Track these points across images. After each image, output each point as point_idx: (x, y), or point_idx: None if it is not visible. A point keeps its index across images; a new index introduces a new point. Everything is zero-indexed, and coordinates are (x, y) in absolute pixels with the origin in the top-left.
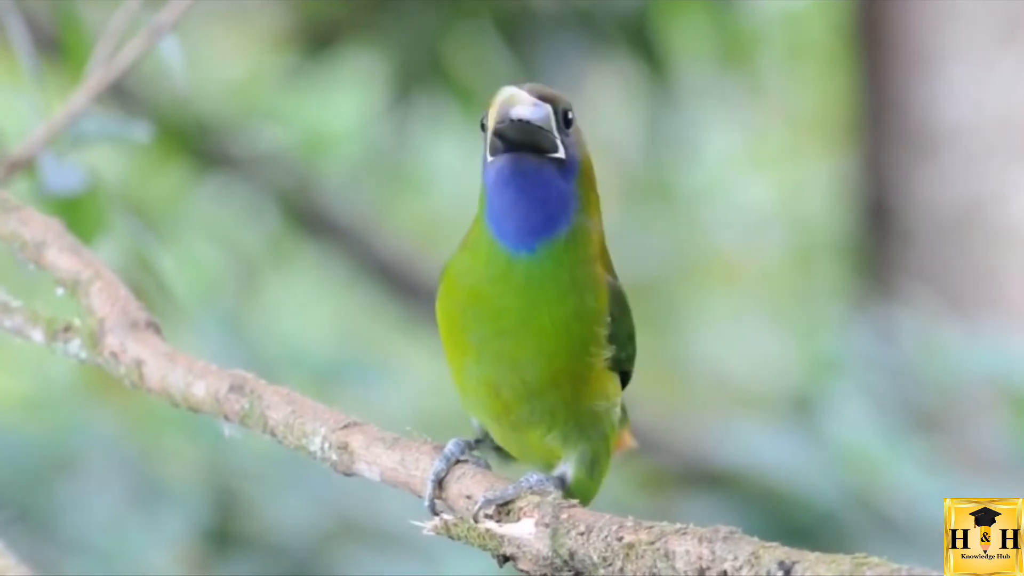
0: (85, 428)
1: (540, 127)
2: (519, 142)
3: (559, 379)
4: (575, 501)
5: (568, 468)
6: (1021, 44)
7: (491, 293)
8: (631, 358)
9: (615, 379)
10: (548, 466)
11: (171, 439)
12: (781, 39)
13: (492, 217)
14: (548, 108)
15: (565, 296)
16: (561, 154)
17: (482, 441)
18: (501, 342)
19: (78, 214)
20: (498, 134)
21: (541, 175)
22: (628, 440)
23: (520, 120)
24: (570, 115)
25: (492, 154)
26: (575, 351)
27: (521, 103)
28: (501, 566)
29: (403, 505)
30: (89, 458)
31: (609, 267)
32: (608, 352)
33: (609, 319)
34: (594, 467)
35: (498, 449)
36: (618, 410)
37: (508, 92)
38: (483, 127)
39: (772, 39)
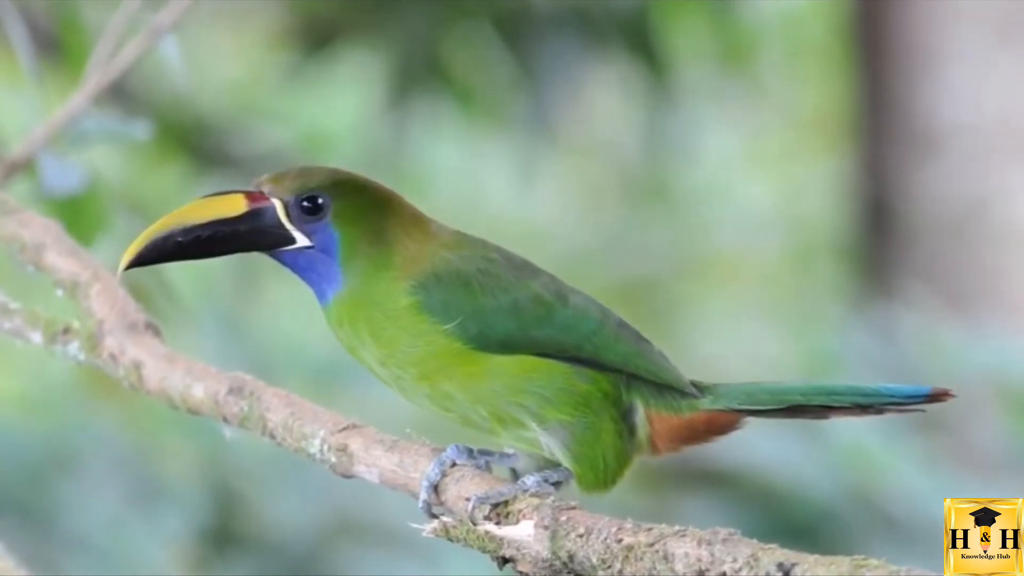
0: (85, 428)
1: (269, 228)
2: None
3: (428, 376)
4: (574, 503)
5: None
6: (1021, 44)
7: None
8: (508, 332)
9: (519, 360)
10: (504, 420)
11: (170, 439)
12: (781, 39)
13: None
14: (271, 206)
15: (358, 330)
16: (302, 243)
17: (484, 452)
18: (374, 370)
19: (78, 214)
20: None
21: (298, 265)
22: (676, 422)
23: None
24: (318, 200)
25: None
26: (405, 351)
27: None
28: (501, 568)
29: (403, 504)
30: (89, 458)
31: (454, 246)
32: (444, 333)
33: (426, 311)
34: (578, 444)
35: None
36: (566, 380)
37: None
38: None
39: (772, 39)
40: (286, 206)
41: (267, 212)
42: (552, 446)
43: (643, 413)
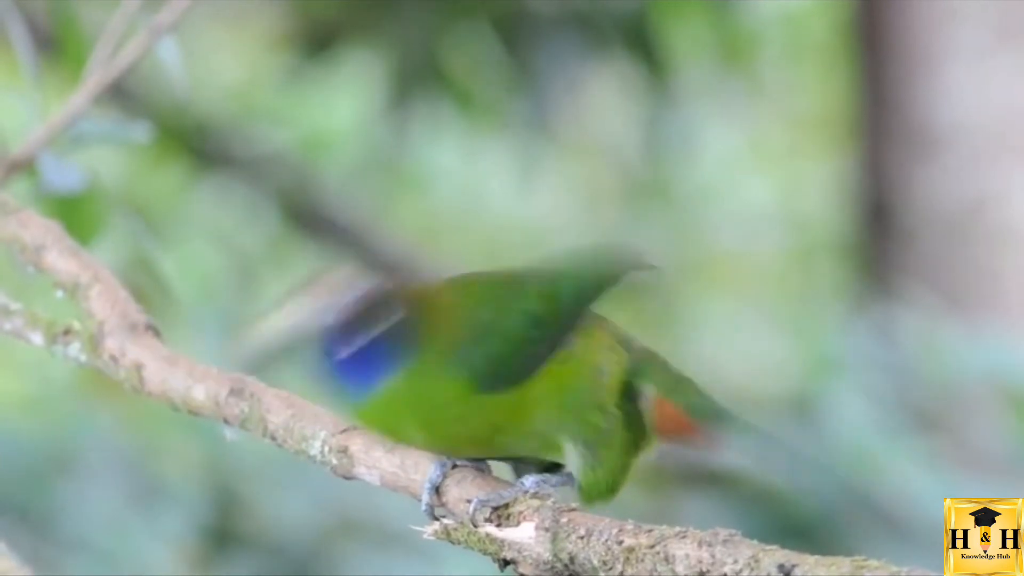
0: (85, 428)
1: None
2: None
3: (481, 441)
4: (575, 504)
5: (573, 471)
6: (1021, 44)
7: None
8: (540, 356)
9: (549, 376)
10: (552, 448)
11: (171, 438)
12: (781, 39)
13: None
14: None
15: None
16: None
17: None
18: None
19: (77, 214)
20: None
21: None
22: (681, 421)
23: None
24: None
25: None
26: (455, 429)
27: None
28: (502, 570)
29: (404, 505)
30: (89, 458)
31: (450, 312)
32: (489, 394)
33: (471, 382)
34: (595, 457)
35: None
36: (592, 382)
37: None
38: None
39: (772, 39)
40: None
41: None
42: (572, 454)
43: (650, 397)
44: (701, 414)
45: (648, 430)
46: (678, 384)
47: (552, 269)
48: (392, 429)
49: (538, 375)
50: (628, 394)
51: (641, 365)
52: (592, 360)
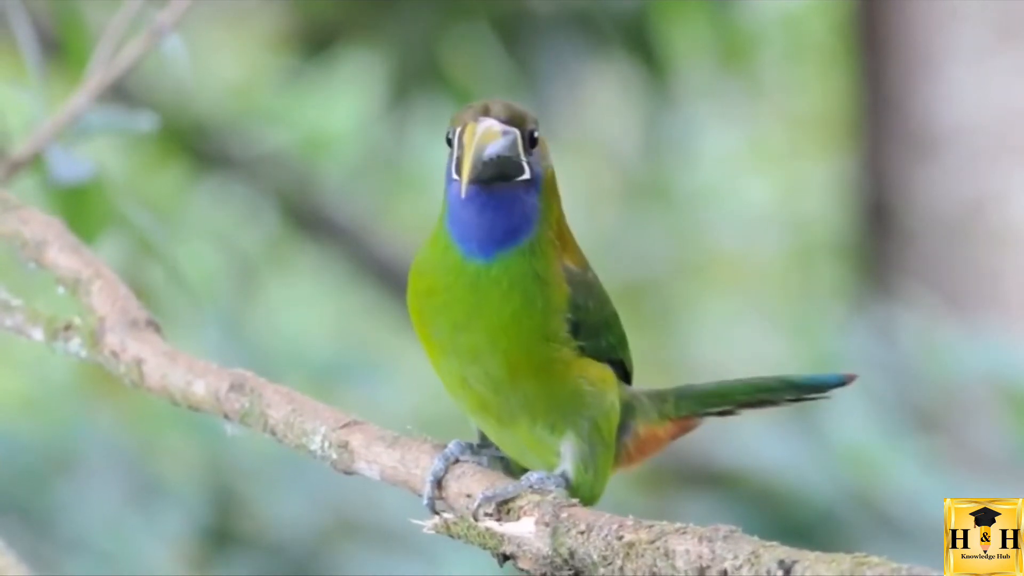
0: (85, 428)
1: (510, 157)
2: (491, 176)
3: (520, 370)
4: (575, 500)
5: (567, 466)
6: (1021, 44)
7: (445, 291)
8: (616, 346)
9: (600, 367)
10: (547, 466)
11: (170, 437)
12: (781, 39)
13: (455, 226)
14: (516, 134)
15: (512, 295)
16: (527, 175)
17: (485, 447)
18: (458, 336)
19: (80, 211)
20: (474, 178)
21: (507, 199)
22: (660, 434)
23: (494, 157)
24: (535, 134)
25: (461, 179)
26: (530, 344)
27: (494, 138)
28: (501, 565)
29: (403, 503)
30: (89, 457)
31: (578, 259)
32: (573, 343)
33: (570, 314)
34: (591, 461)
35: (502, 459)
36: (613, 399)
37: (484, 126)
38: (449, 142)
39: (772, 39)
40: (522, 134)
41: (512, 142)
42: (568, 455)
43: (635, 423)
44: (664, 419)
45: (621, 458)
46: (652, 400)
47: None
48: (472, 313)
49: (593, 360)
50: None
51: (631, 403)
52: (613, 388)
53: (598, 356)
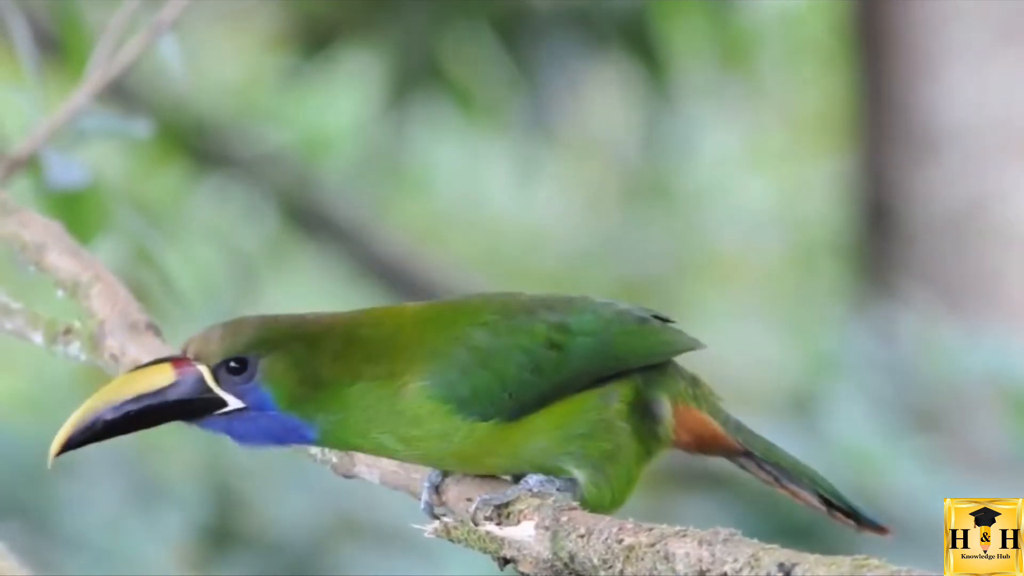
0: None
1: (199, 396)
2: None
3: (474, 460)
4: (575, 503)
5: (577, 475)
6: (1021, 44)
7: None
8: (539, 391)
9: (551, 411)
10: (550, 471)
11: (170, 437)
12: (781, 39)
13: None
14: (197, 373)
15: (382, 436)
16: (234, 406)
17: None
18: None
19: (79, 213)
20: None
21: (240, 426)
22: (700, 417)
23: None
24: (245, 361)
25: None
26: (440, 447)
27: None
28: (502, 568)
29: (403, 504)
30: (89, 458)
31: (431, 341)
32: (499, 415)
33: (449, 405)
34: (601, 479)
35: None
36: (604, 414)
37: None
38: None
39: (771, 39)
40: (213, 372)
41: (194, 379)
42: (577, 476)
43: (668, 405)
44: (724, 423)
45: (660, 437)
46: (697, 391)
47: (573, 306)
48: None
49: (540, 412)
50: (639, 406)
51: (654, 378)
52: (594, 400)
53: (561, 393)
